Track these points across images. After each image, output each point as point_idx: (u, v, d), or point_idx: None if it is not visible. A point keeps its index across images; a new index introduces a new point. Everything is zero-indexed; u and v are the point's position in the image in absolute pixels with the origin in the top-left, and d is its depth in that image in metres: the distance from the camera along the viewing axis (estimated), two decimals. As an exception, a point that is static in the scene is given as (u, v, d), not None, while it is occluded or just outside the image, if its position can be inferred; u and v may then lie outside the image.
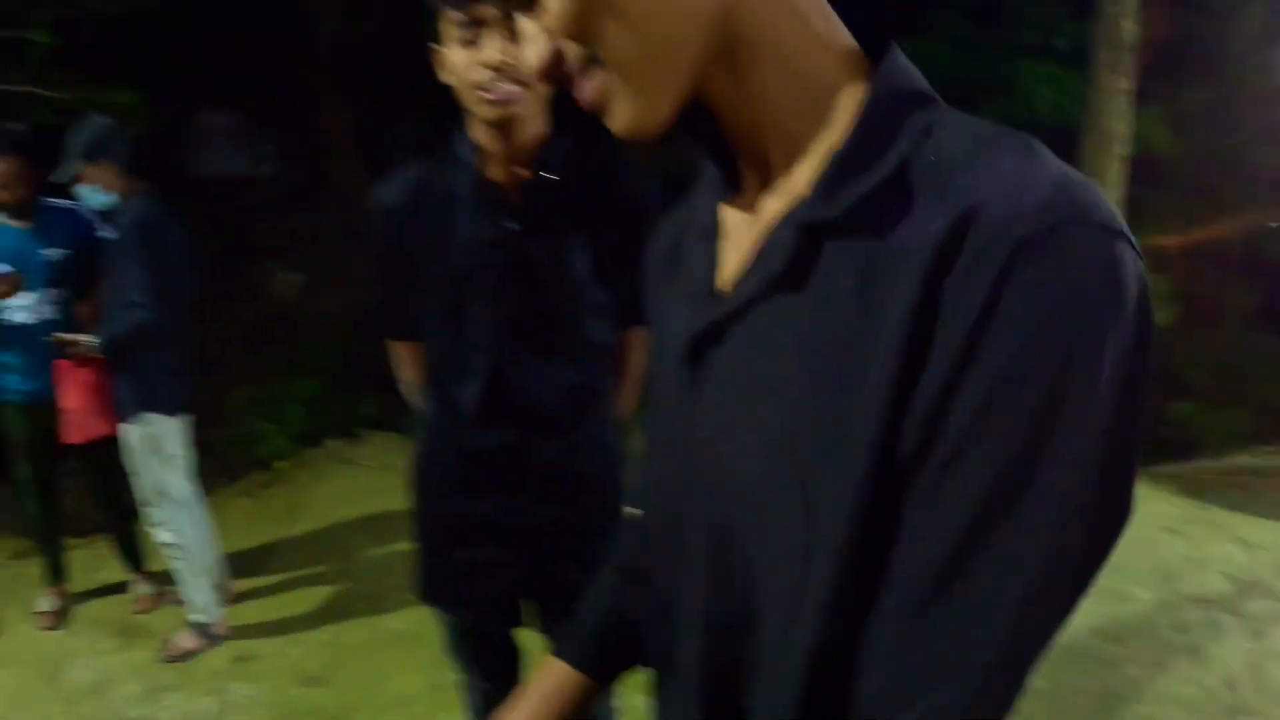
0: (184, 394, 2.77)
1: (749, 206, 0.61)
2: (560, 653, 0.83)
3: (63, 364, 2.71)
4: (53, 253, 2.85)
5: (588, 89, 0.55)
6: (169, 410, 2.70)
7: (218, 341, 5.61)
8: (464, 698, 1.69)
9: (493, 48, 1.23)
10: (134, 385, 2.64)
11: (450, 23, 1.26)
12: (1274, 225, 6.99)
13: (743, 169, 0.61)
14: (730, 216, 0.63)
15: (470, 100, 1.29)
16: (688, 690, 0.64)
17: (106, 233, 2.86)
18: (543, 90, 1.31)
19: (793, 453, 0.53)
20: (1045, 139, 0.51)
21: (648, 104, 0.54)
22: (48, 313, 2.84)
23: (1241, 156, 6.85)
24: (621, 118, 0.55)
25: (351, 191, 9.72)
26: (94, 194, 2.60)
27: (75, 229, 2.89)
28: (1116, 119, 4.44)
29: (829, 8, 0.57)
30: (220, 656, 2.91)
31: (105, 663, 2.93)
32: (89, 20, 5.89)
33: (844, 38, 0.57)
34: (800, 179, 0.56)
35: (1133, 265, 0.47)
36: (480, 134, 1.34)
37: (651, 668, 0.73)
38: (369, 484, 4.62)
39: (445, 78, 1.32)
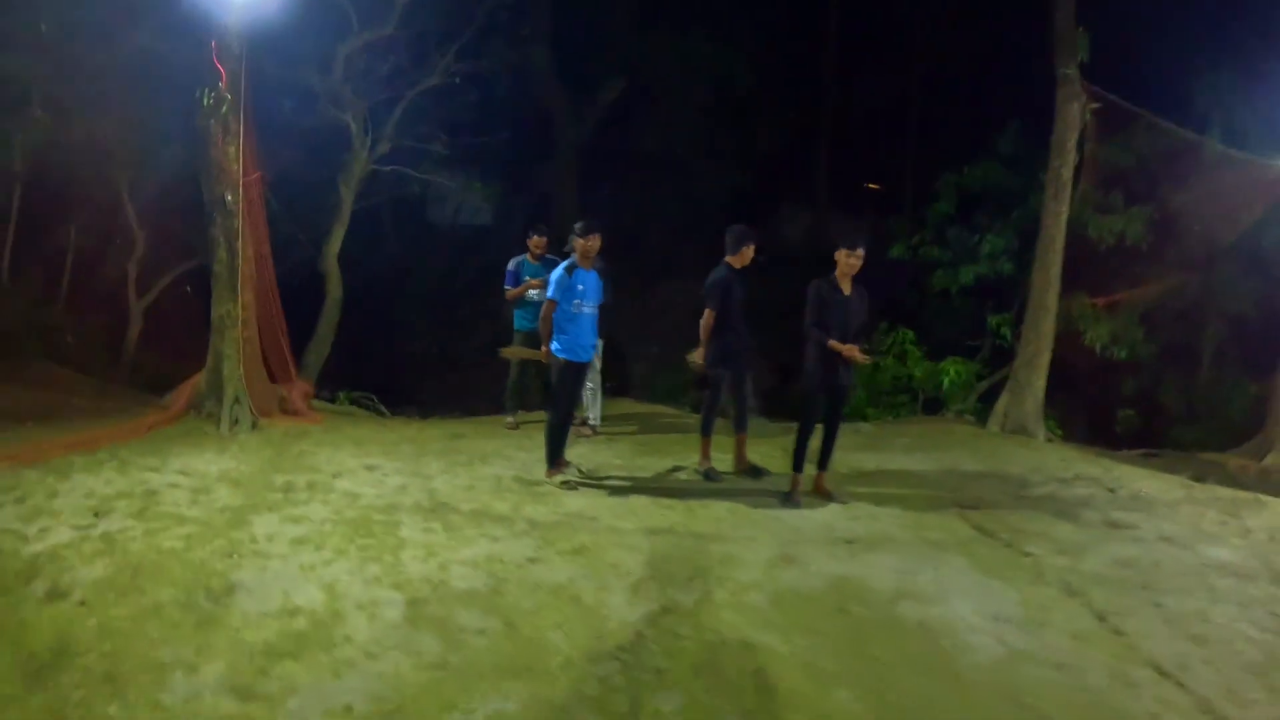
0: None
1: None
2: None
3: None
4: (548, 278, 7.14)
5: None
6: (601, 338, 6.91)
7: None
8: (713, 407, 6.15)
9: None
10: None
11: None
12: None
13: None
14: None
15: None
16: None
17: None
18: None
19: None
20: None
21: None
22: (541, 297, 7.12)
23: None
24: None
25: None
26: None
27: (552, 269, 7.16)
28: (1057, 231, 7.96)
29: None
30: (600, 439, 7.21)
31: (536, 439, 7.18)
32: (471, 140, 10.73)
33: None
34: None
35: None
36: (735, 263, 5.97)
37: None
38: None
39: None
